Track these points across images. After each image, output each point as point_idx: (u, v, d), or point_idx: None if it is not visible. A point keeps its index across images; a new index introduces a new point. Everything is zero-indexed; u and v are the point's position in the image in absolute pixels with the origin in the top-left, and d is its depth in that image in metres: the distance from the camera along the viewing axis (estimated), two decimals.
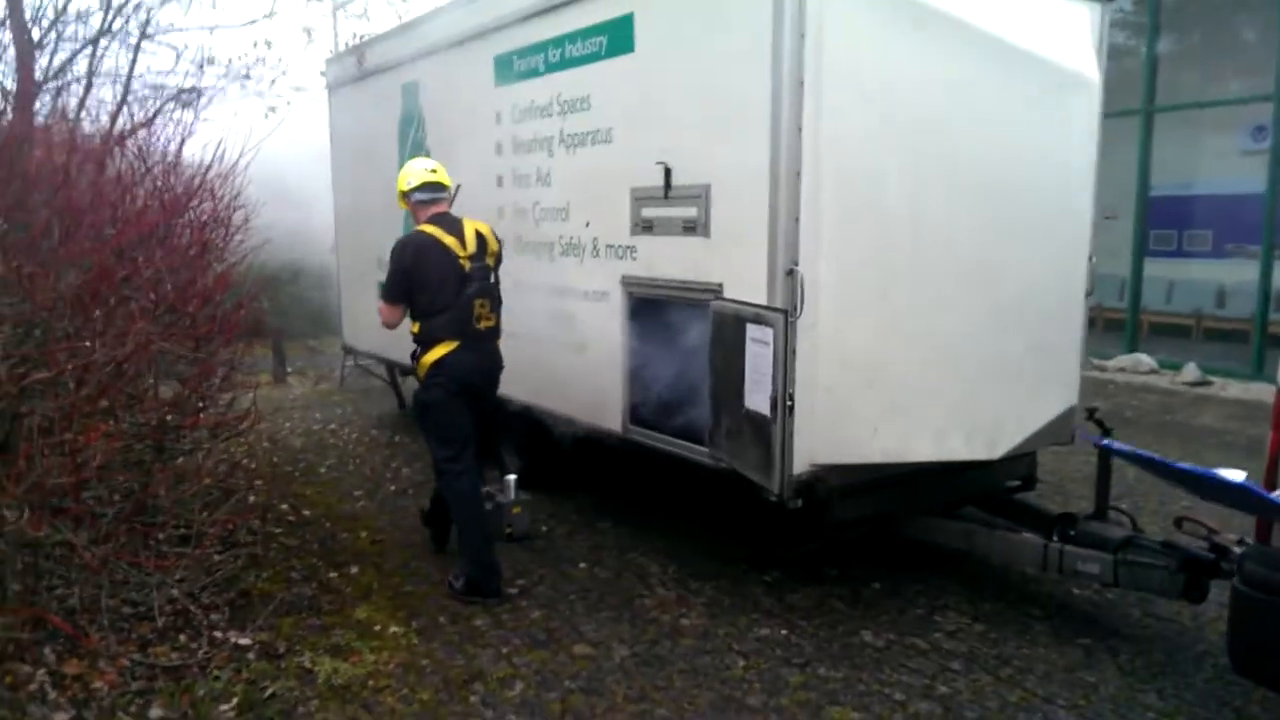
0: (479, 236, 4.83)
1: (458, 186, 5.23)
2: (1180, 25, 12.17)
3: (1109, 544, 4.31)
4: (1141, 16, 11.61)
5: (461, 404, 4.75)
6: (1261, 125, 11.19)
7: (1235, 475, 1.35)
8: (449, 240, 4.71)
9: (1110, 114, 5.04)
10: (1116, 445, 1.65)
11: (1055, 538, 4.53)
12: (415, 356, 4.82)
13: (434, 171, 4.97)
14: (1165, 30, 12.01)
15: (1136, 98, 11.62)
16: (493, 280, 4.87)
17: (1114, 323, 13.18)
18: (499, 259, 4.97)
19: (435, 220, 4.80)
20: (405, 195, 4.99)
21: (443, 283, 4.66)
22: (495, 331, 4.90)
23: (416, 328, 4.77)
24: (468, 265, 4.72)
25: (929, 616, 4.54)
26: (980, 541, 4.70)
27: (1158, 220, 12.58)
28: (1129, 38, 12.41)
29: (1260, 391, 10.38)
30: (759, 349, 4.19)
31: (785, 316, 4.05)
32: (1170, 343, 12.46)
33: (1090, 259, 5.07)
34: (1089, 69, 4.81)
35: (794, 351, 4.07)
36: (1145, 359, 11.85)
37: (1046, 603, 4.72)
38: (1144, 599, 4.65)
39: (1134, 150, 11.78)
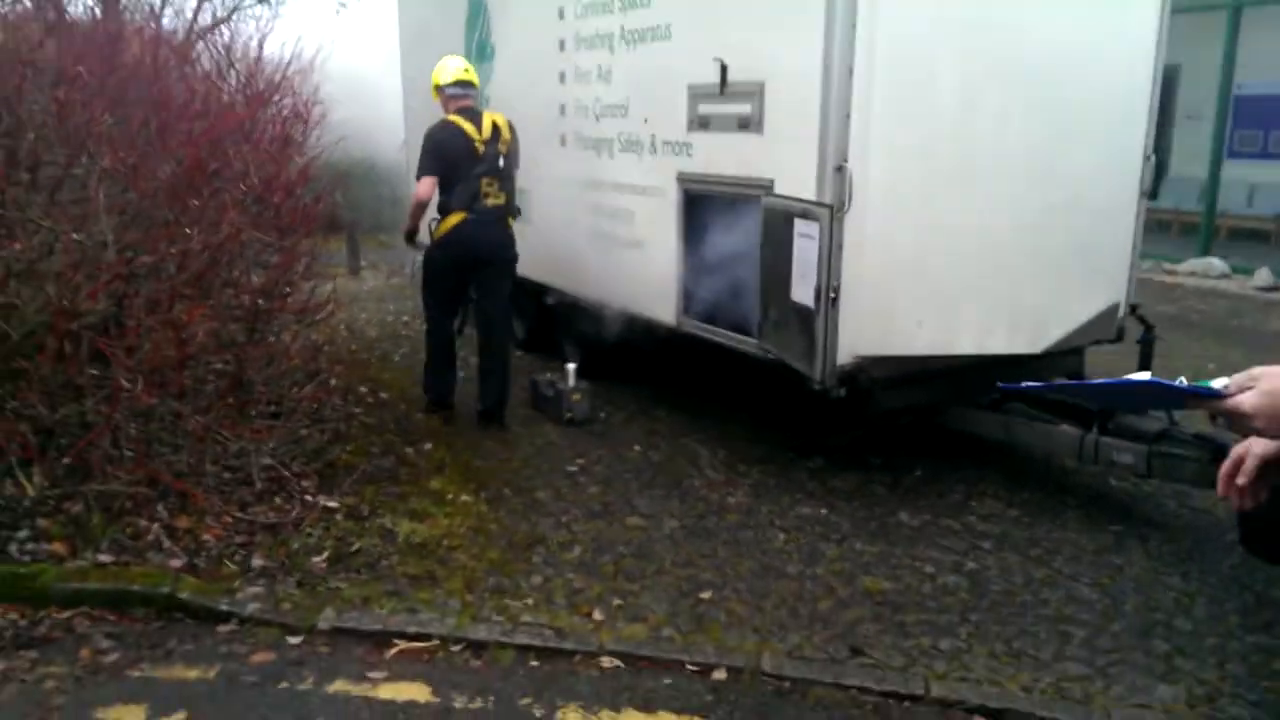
0: (494, 127, 5.58)
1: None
2: None
3: (1145, 436, 4.47)
4: None
5: (454, 269, 5.75)
6: None
7: (1141, 376, 1.46)
8: (468, 127, 5.50)
9: (1195, 7, 4.97)
10: (1024, 385, 1.76)
11: (1094, 430, 4.69)
12: (433, 225, 5.69)
13: (466, 71, 5.72)
14: None
15: None
16: (502, 164, 5.58)
17: (1190, 226, 12.88)
18: (512, 147, 5.67)
19: (460, 112, 5.59)
20: (439, 89, 5.74)
21: (458, 161, 5.46)
22: (503, 209, 5.67)
23: (437, 201, 5.56)
24: (481, 149, 5.49)
25: (965, 501, 4.79)
26: (1019, 431, 4.89)
27: (1243, 121, 12.15)
28: None
29: None
30: (805, 243, 4.36)
31: (831, 211, 4.20)
32: (1248, 248, 12.18)
33: (1148, 158, 5.07)
34: None
35: (840, 246, 4.23)
36: (1217, 263, 11.62)
37: (1082, 493, 4.92)
38: (1181, 492, 4.81)
39: (1219, 47, 11.34)
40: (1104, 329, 5.10)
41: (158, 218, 4.08)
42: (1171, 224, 13.33)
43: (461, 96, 5.63)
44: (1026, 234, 4.70)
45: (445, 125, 5.53)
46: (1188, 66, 11.23)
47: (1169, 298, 10.30)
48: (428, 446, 5.34)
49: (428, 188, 5.53)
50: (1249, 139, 12.66)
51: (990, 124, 4.51)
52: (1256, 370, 1.42)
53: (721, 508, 4.68)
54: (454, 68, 5.68)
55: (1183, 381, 1.53)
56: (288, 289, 4.92)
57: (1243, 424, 1.42)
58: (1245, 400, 1.39)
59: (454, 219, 5.54)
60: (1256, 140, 12.72)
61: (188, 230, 3.95)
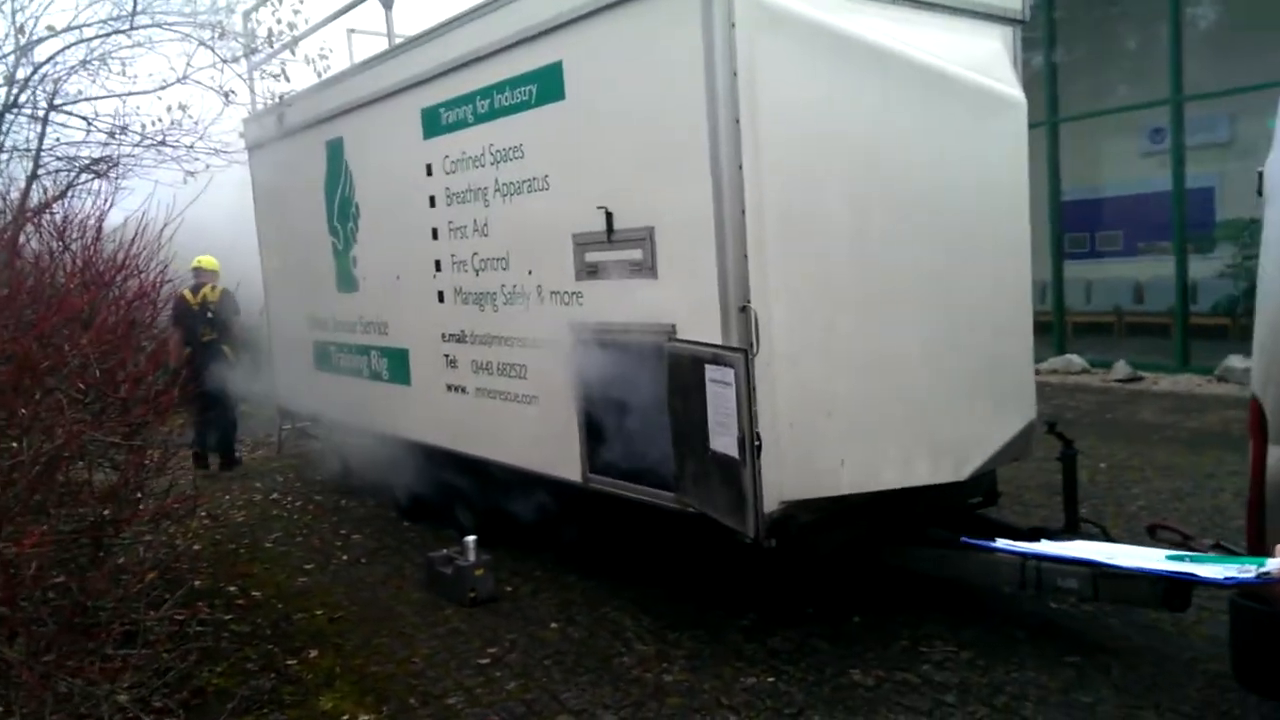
0: (205, 294, 9.03)
1: None
2: (1073, 38, 12.65)
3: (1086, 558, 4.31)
4: (1036, 31, 12.03)
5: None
6: (1159, 127, 11.64)
7: (1185, 566, 1.36)
8: (188, 294, 8.94)
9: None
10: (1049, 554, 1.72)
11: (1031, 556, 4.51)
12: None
13: (200, 262, 9.00)
14: (1060, 43, 12.47)
15: (1041, 110, 12.01)
16: (209, 315, 8.97)
17: (1041, 325, 13.49)
18: (215, 303, 9.03)
19: (192, 287, 8.98)
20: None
21: (182, 317, 8.85)
22: (215, 344, 8.98)
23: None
24: (195, 307, 8.95)
25: (914, 648, 4.48)
26: (956, 564, 4.67)
27: (1070, 224, 12.97)
28: (1027, 52, 12.87)
29: (1189, 383, 10.71)
30: (720, 389, 4.11)
31: (745, 355, 3.98)
32: (1095, 341, 12.80)
33: None
34: (1012, 88, 4.88)
35: (755, 390, 4.00)
36: (1076, 359, 12.14)
37: (1028, 622, 4.70)
38: (1121, 609, 4.66)
39: (1043, 160, 12.17)
40: (1020, 449, 5.02)
41: None
42: None
43: (196, 276, 9.01)
44: (935, 358, 4.60)
45: (178, 296, 8.67)
46: None
47: (1040, 397, 10.57)
48: (313, 654, 4.69)
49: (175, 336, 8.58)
50: (1078, 240, 13.51)
51: (884, 250, 4.43)
52: None
53: (659, 689, 4.22)
54: (197, 259, 8.88)
55: (1226, 573, 1.36)
56: (139, 492, 4.29)
57: None
58: None
59: (188, 351, 8.52)
60: (1084, 241, 13.58)
61: (14, 444, 3.35)
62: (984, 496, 5.37)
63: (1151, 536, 4.31)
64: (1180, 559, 1.46)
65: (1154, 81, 11.42)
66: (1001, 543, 1.83)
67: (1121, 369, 11.35)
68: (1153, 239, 12.26)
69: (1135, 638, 4.47)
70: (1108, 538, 4.67)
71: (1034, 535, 4.69)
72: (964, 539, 4.21)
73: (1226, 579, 1.36)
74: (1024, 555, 4.20)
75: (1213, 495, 6.53)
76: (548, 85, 4.99)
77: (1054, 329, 12.89)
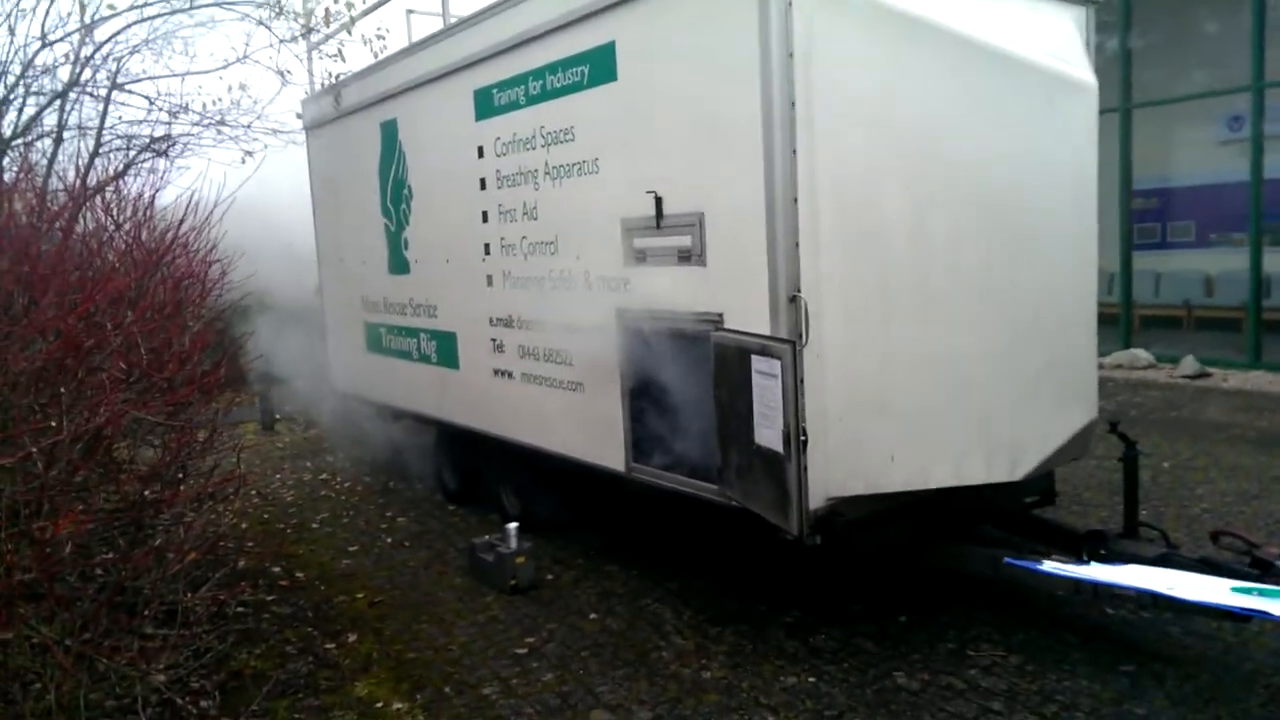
0: None
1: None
2: (1149, 21, 12.16)
3: (1144, 563, 4.12)
4: (1111, 15, 11.59)
5: None
6: (1237, 115, 11.16)
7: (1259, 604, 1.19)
8: None
9: None
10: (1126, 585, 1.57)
11: (1086, 558, 4.34)
12: None
13: None
14: (1135, 26, 12.00)
15: (1114, 96, 11.58)
16: None
17: (1106, 318, 13.08)
18: None
19: None
20: None
21: None
22: None
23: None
24: None
25: (961, 650, 4.33)
26: (1009, 568, 4.49)
27: (1140, 214, 12.53)
28: (1100, 35, 12.43)
29: (1260, 380, 10.28)
30: (766, 381, 3.99)
31: (793, 347, 3.85)
32: (1162, 335, 12.37)
33: None
34: (1084, 72, 4.66)
35: (803, 382, 3.87)
36: (1143, 354, 11.74)
37: (1080, 626, 4.52)
38: (1180, 615, 4.45)
39: (1115, 147, 11.74)
40: (1080, 448, 4.81)
41: (21, 407, 3.49)
42: None
43: None
44: (993, 353, 4.42)
45: None
46: None
47: (1103, 392, 10.26)
48: (352, 638, 4.69)
49: None
50: (1148, 231, 13.05)
51: (944, 241, 4.27)
52: None
53: (697, 686, 4.13)
54: None
55: None
56: (182, 472, 4.32)
57: None
58: None
59: None
60: (1155, 232, 13.12)
61: (54, 423, 3.37)
62: (1040, 496, 5.17)
63: (1214, 543, 4.11)
64: (1248, 592, 1.32)
65: (1233, 67, 10.94)
66: (1049, 565, 1.70)
67: (1189, 365, 10.93)
68: (1226, 230, 11.80)
69: (1194, 646, 4.27)
70: (1168, 543, 4.46)
71: (1090, 539, 4.49)
72: (1007, 560, 4.07)
73: None
74: (1075, 581, 4.04)
75: None
76: (600, 66, 4.88)
77: (1120, 322, 12.48)
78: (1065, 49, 4.64)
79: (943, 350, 4.30)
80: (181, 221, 5.17)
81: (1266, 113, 10.60)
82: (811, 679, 4.13)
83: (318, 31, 7.97)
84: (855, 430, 4.20)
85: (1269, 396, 9.52)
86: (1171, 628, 4.45)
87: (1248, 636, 4.26)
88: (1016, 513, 5.05)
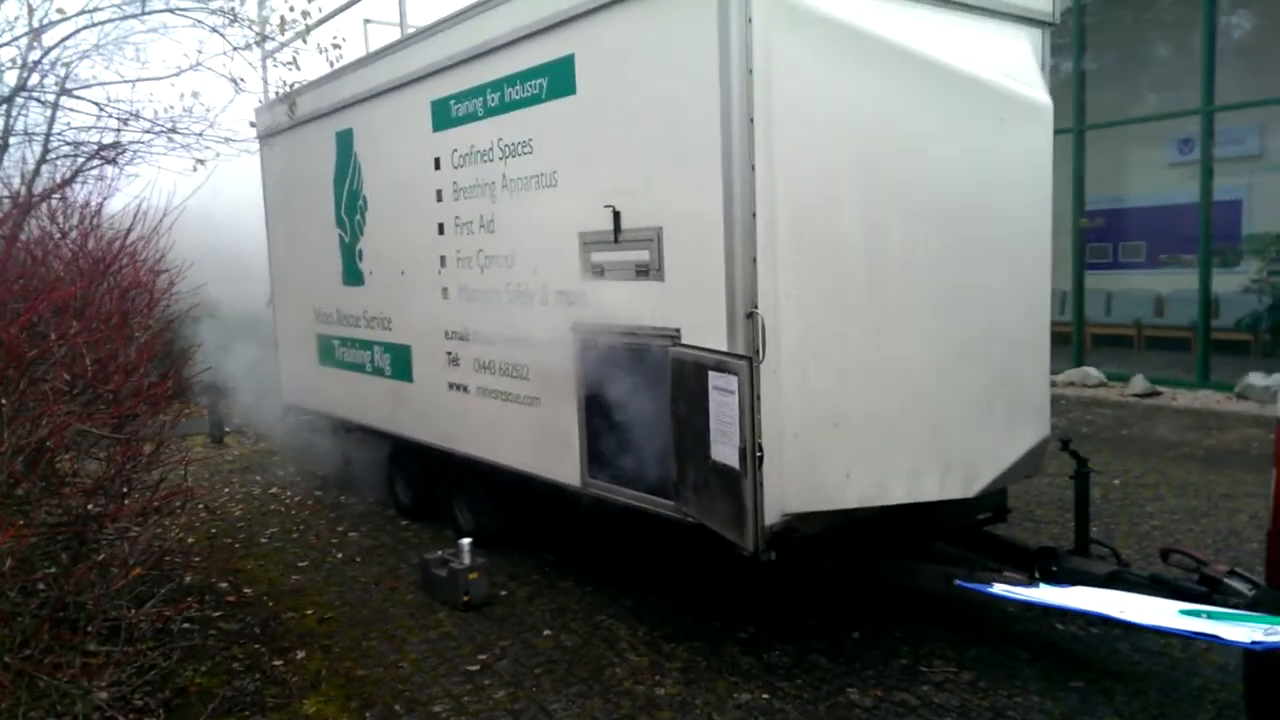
0: None
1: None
2: (1103, 44, 12.45)
3: (1095, 580, 4.17)
4: (1065, 38, 11.83)
5: None
6: (1187, 138, 11.43)
7: (1226, 634, 1.21)
8: None
9: None
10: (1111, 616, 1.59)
11: (1037, 575, 4.38)
12: None
13: None
14: (1089, 49, 12.28)
15: (1067, 117, 11.80)
16: None
17: (1058, 336, 13.29)
18: None
19: None
20: None
21: None
22: None
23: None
24: None
25: (914, 666, 4.35)
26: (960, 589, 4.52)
27: (1092, 234, 12.78)
28: (1054, 58, 12.70)
29: (1208, 399, 10.50)
30: (723, 397, 3.99)
31: (750, 363, 3.86)
32: (1113, 353, 12.59)
33: None
34: (1039, 92, 4.74)
35: (759, 398, 3.88)
36: (1093, 372, 11.94)
37: (1031, 643, 4.56)
38: (1129, 631, 4.51)
39: (1068, 167, 11.97)
40: (1033, 465, 4.87)
41: None
42: None
43: None
44: (947, 370, 4.46)
45: None
46: None
47: (1055, 410, 10.41)
48: (300, 655, 4.60)
49: None
50: (1099, 250, 13.30)
51: (901, 257, 4.30)
52: None
53: (651, 703, 4.10)
54: None
55: (1252, 635, 1.26)
56: (126, 486, 4.21)
57: None
58: None
59: None
60: (1107, 251, 13.37)
61: None
62: (993, 513, 5.22)
63: (1164, 560, 4.16)
64: (1197, 615, 1.34)
65: (1184, 91, 11.22)
66: (999, 589, 1.70)
67: (1139, 383, 11.14)
68: (1176, 251, 12.07)
69: (1143, 663, 4.32)
70: (1119, 560, 4.52)
71: (1042, 556, 4.54)
72: (958, 583, 4.10)
73: (1254, 644, 1.23)
74: (1026, 604, 4.07)
75: (1229, 516, 6.36)
76: (559, 79, 4.88)
77: (1072, 340, 12.70)
78: (1021, 69, 4.71)
79: (898, 367, 4.33)
80: (129, 230, 5.06)
81: (1216, 136, 10.87)
82: (765, 695, 4.12)
83: (272, 39, 7.85)
84: (811, 446, 4.21)
85: (1217, 415, 9.73)
86: (1121, 644, 4.51)
87: (1195, 653, 4.33)
88: (969, 529, 5.09)
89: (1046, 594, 2.50)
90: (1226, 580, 3.78)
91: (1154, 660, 4.34)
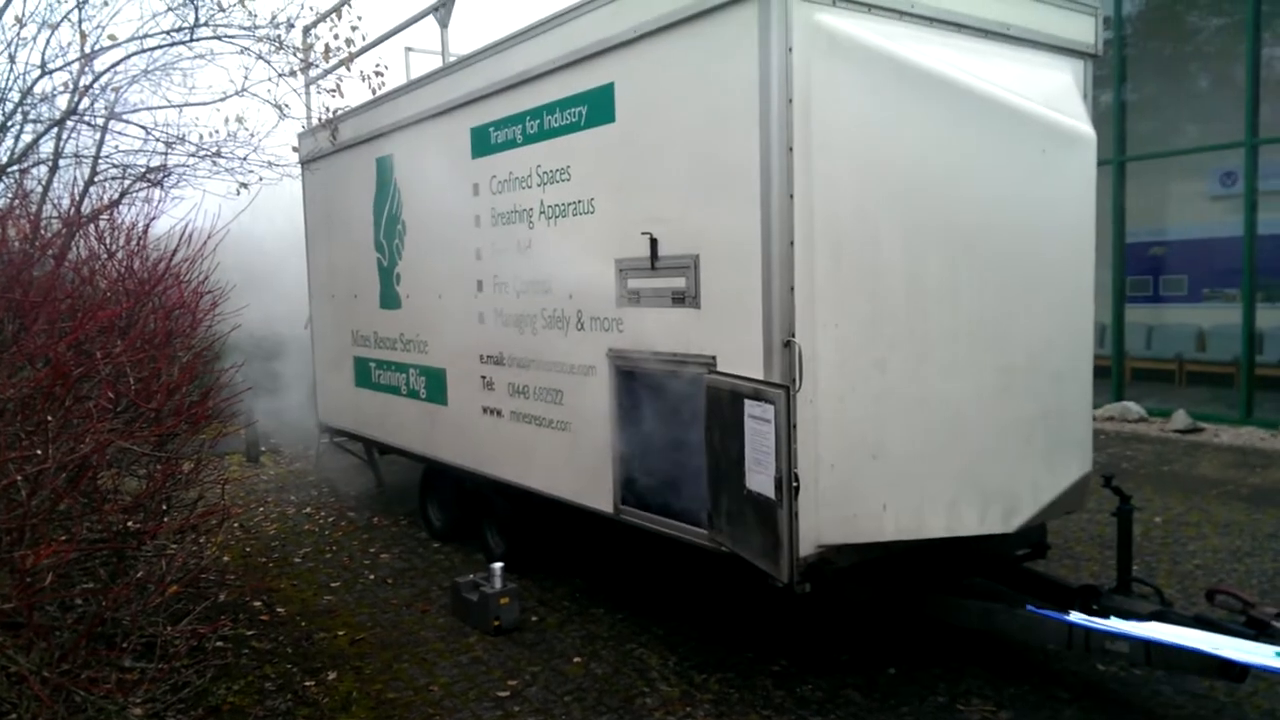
0: None
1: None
2: (1144, 75, 12.35)
3: (1138, 619, 4.07)
4: (1106, 69, 11.75)
5: None
6: (1230, 170, 11.28)
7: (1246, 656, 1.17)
8: None
9: None
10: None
11: (1078, 614, 4.28)
12: None
13: None
14: (1130, 80, 12.18)
15: (1109, 148, 11.70)
16: None
17: (1099, 370, 13.09)
18: None
19: None
20: None
21: None
22: None
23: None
24: None
25: (951, 704, 4.26)
26: (1001, 621, 4.44)
27: (1133, 267, 12.62)
28: (1096, 89, 12.63)
29: (1252, 436, 10.28)
30: (759, 426, 3.96)
31: (787, 392, 3.83)
32: (1154, 388, 12.38)
33: None
34: (1082, 123, 4.70)
35: (795, 428, 3.85)
36: (1134, 407, 11.74)
37: (1072, 682, 4.46)
38: (1173, 674, 4.39)
39: (1108, 199, 11.84)
40: (1075, 501, 4.79)
41: (7, 434, 3.43)
42: None
43: None
44: (988, 401, 4.40)
45: None
46: None
47: (1095, 445, 10.24)
48: (331, 676, 4.60)
49: None
50: (1140, 284, 13.13)
51: (941, 288, 4.26)
52: None
53: None
54: None
55: None
56: (166, 504, 4.25)
57: None
58: None
59: None
60: (1148, 285, 13.20)
61: (39, 451, 3.31)
62: (1032, 549, 5.13)
63: (1210, 601, 4.06)
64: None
65: (1227, 123, 11.08)
66: (1076, 616, 1.62)
67: (1181, 419, 10.94)
68: (1219, 285, 11.88)
69: (1187, 706, 4.21)
70: (1162, 599, 4.42)
71: (1084, 593, 4.45)
72: (1030, 609, 4.01)
73: None
74: (1109, 635, 3.95)
75: (1275, 557, 6.20)
76: (598, 107, 4.91)
77: (1112, 374, 12.51)
78: (1064, 100, 4.68)
79: (937, 398, 4.28)
80: (174, 252, 5.15)
81: (1260, 169, 10.72)
82: None
83: (316, 66, 8.01)
84: (848, 477, 4.17)
85: (1261, 453, 9.52)
86: (1163, 686, 4.40)
87: (1240, 698, 4.21)
88: (1008, 564, 5.00)
89: (1133, 628, 2.32)
90: (1275, 623, 3.68)
91: (1199, 704, 4.22)
